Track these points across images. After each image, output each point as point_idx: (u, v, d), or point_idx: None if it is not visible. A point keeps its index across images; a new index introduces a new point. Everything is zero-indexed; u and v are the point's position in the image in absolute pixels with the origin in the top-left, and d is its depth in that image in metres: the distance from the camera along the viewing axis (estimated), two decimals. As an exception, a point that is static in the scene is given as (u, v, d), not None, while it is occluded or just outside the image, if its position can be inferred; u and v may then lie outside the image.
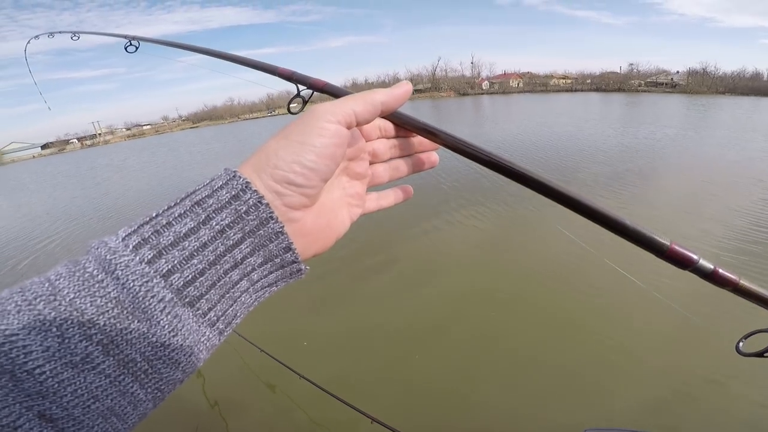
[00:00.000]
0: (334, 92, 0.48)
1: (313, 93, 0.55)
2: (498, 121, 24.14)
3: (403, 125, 0.38)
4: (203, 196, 0.26)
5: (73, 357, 0.21)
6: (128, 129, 71.58)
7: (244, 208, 0.26)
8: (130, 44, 1.09)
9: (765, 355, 0.38)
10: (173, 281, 0.24)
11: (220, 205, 0.26)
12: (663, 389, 2.99)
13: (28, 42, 1.77)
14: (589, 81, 56.09)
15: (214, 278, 0.25)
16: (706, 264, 0.35)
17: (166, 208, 0.25)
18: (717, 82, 43.94)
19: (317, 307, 4.52)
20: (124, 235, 0.24)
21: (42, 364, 0.20)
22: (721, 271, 0.35)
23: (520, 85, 61.18)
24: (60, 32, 1.56)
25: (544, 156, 11.29)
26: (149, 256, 0.23)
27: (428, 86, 67.47)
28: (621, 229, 0.35)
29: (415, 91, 67.91)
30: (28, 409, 0.20)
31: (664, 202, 7.18)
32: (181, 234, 0.24)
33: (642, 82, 51.21)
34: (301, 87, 0.56)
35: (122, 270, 0.22)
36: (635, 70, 54.65)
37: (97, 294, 0.22)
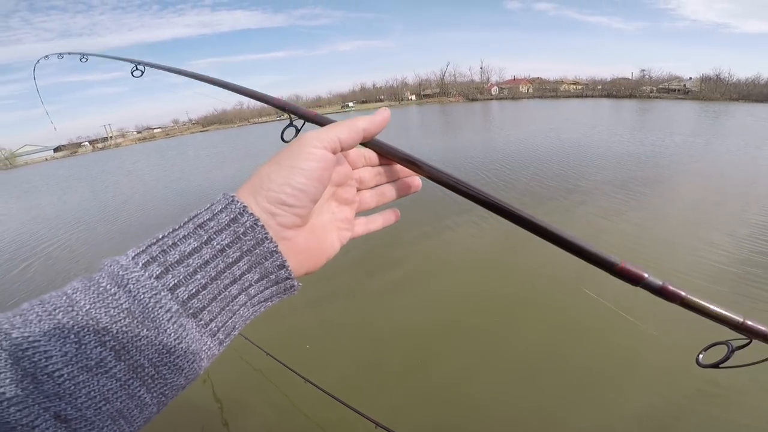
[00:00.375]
0: (323, 122, 0.50)
1: (304, 123, 0.58)
2: (505, 126, 24.07)
3: (386, 155, 0.40)
4: (205, 219, 0.29)
5: (89, 361, 0.23)
6: (139, 132, 72.57)
7: (242, 230, 0.28)
8: (137, 68, 1.14)
9: (720, 366, 0.40)
10: (179, 294, 0.26)
11: (220, 228, 0.28)
12: (652, 406, 3.02)
13: (38, 62, 1.78)
14: (600, 87, 55.59)
15: (215, 292, 0.27)
16: (655, 280, 0.38)
17: (170, 230, 0.28)
18: (731, 89, 43.13)
19: (321, 312, 4.58)
20: (133, 254, 0.26)
21: (60, 368, 0.22)
22: (669, 286, 0.37)
23: (530, 90, 60.87)
24: (70, 54, 1.59)
25: (547, 163, 11.23)
26: (157, 272, 0.26)
27: (437, 91, 67.54)
28: (575, 249, 0.38)
29: (424, 96, 67.99)
30: (45, 410, 0.21)
31: (667, 211, 7.09)
32: (186, 253, 0.27)
33: (654, 88, 50.54)
34: (293, 117, 0.59)
35: (134, 284, 0.25)
36: (647, 76, 54.00)
37: (110, 305, 0.24)
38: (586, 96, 53.00)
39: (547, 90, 59.22)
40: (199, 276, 0.27)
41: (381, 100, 73.71)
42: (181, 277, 0.26)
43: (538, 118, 27.34)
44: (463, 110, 42.07)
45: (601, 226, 6.47)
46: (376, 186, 0.42)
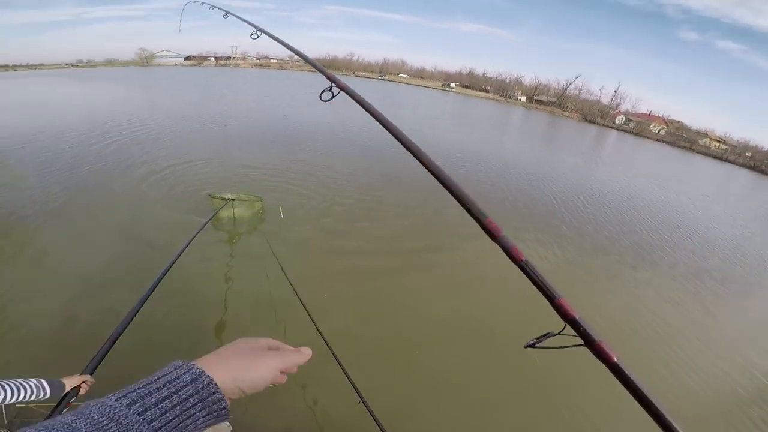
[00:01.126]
0: (350, 92, 0.91)
1: (339, 91, 0.91)
2: (610, 161, 21.67)
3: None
4: (172, 378, 0.41)
5: None
6: (258, 59, 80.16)
7: (201, 386, 0.41)
8: (255, 33, 1.56)
9: (536, 345, 0.49)
10: (153, 425, 0.37)
11: (184, 383, 0.41)
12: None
13: (186, 4, 2.54)
14: (749, 154, 46.34)
15: (177, 424, 0.39)
16: (509, 241, 0.46)
17: (145, 384, 0.40)
18: None
19: (355, 279, 5.04)
20: (116, 398, 0.37)
21: None
22: (517, 249, 0.45)
23: (662, 132, 53.07)
24: (219, 9, 2.08)
25: (631, 218, 10.14)
26: (138, 411, 0.37)
27: (552, 100, 62.00)
28: (458, 195, 0.53)
29: (536, 101, 62.99)
30: None
31: (729, 318, 6.13)
32: (160, 399, 0.39)
33: (824, 176, 40.67)
34: (332, 84, 0.93)
35: (123, 418, 0.35)
36: (821, 161, 43.43)
37: (104, 431, 0.34)
38: (727, 160, 44.65)
39: (682, 138, 51.03)
40: (168, 414, 0.38)
41: (486, 91, 70.00)
42: (156, 415, 0.37)
43: (652, 166, 24.07)
44: (574, 129, 38.38)
45: (653, 306, 5.90)
46: None
